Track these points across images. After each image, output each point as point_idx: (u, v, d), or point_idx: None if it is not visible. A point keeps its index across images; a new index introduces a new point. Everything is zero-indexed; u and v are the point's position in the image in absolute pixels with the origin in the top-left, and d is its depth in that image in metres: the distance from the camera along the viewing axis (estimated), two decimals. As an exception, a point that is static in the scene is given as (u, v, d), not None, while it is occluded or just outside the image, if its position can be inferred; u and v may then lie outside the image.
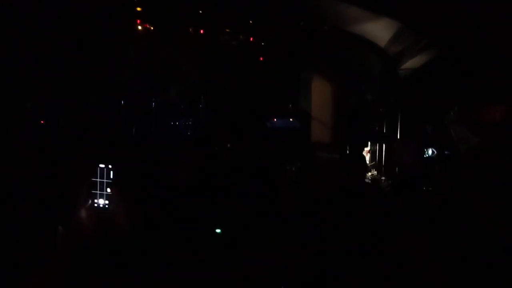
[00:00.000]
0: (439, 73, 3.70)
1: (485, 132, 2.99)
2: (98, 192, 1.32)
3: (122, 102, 4.44)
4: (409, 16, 3.47)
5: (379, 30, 3.93)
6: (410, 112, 4.19)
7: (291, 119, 4.94)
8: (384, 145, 4.54)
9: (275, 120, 4.94)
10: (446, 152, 3.43)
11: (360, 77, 4.74)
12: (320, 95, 4.95)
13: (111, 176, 1.32)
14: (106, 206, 1.32)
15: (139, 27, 4.72)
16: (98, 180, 1.32)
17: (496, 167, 2.63)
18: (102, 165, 1.32)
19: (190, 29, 4.93)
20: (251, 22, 4.90)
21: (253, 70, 5.02)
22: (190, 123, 4.69)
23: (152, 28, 4.81)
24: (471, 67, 3.43)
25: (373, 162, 4.81)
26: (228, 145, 4.71)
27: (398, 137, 4.29)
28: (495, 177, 2.52)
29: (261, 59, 5.18)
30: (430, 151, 3.48)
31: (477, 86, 3.34)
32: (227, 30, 5.01)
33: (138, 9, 4.70)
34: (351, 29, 4.08)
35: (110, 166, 1.32)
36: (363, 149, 4.64)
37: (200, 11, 4.70)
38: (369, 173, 4.51)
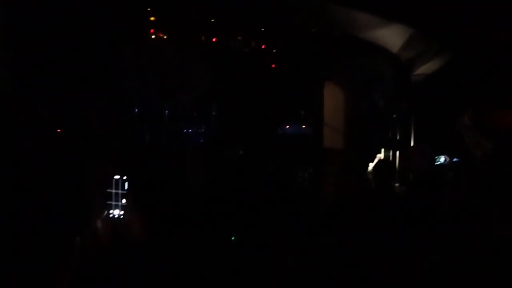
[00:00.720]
0: (452, 78, 3.67)
1: (499, 137, 2.95)
2: (113, 203, 1.35)
3: (136, 110, 4.50)
4: (421, 21, 3.45)
5: (391, 36, 3.92)
6: (423, 118, 4.16)
7: (303, 126, 4.94)
8: (397, 151, 4.50)
9: (287, 126, 4.94)
10: (460, 158, 3.40)
11: (373, 83, 4.72)
12: (332, 101, 4.94)
13: (126, 187, 1.35)
14: (121, 216, 1.35)
15: (152, 36, 4.79)
16: (113, 191, 1.35)
17: (510, 172, 2.60)
18: (117, 177, 1.35)
19: (202, 37, 4.99)
20: (262, 29, 4.93)
21: (265, 77, 5.05)
22: (202, 130, 4.72)
23: (165, 36, 4.87)
24: (484, 72, 3.40)
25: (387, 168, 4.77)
26: (241, 152, 4.73)
27: (411, 143, 4.25)
28: (509, 182, 2.49)
29: (273, 66, 5.21)
30: (442, 158, 3.45)
31: (490, 92, 3.31)
32: (239, 37, 5.05)
33: (152, 18, 4.77)
34: (363, 35, 4.07)
35: (125, 178, 1.35)
36: (378, 156, 4.60)
37: (212, 19, 4.75)
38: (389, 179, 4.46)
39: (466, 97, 3.49)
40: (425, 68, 4.08)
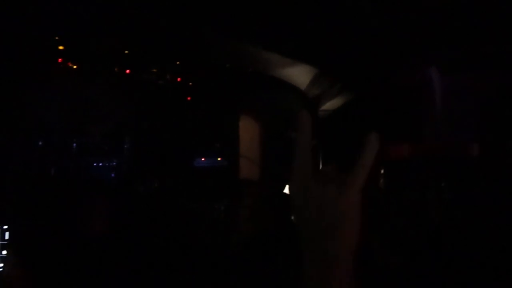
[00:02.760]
0: (354, 115, 3.98)
1: (392, 171, 3.23)
2: None
3: (39, 144, 4.22)
4: (323, 62, 3.73)
5: (299, 75, 4.17)
6: (330, 152, 4.42)
7: (218, 159, 4.98)
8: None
9: (202, 159, 4.95)
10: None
11: (284, 117, 4.94)
12: (246, 135, 5.07)
13: (7, 237, 1.26)
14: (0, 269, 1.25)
15: (61, 65, 4.58)
16: (-8, 242, 1.25)
17: (404, 206, 2.83)
18: (-4, 227, 1.25)
19: (115, 68, 4.87)
20: (178, 62, 4.95)
21: (180, 109, 5.04)
22: (114, 163, 4.54)
23: (74, 66, 4.68)
24: (381, 109, 3.73)
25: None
26: (156, 185, 4.62)
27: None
28: (402, 215, 2.71)
29: (188, 98, 5.23)
30: None
31: (389, 128, 3.63)
32: (154, 70, 5.02)
33: (60, 47, 4.57)
34: (274, 73, 4.28)
35: (5, 227, 1.26)
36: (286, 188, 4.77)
37: (126, 51, 4.67)
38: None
39: (367, 132, 3.78)
40: (330, 104, 4.37)
